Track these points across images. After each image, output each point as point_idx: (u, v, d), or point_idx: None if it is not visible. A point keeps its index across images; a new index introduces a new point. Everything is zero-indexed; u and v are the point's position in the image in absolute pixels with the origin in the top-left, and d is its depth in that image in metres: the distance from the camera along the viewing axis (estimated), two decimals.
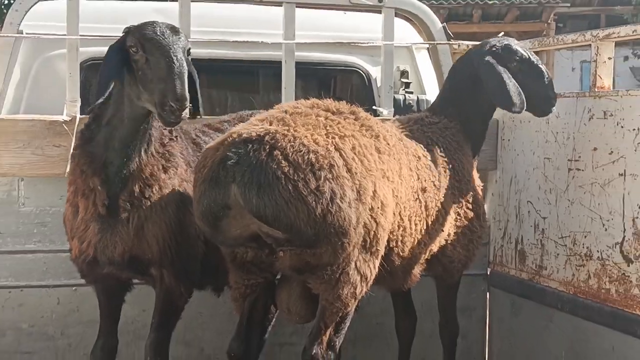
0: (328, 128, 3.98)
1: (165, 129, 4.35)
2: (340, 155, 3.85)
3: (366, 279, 4.05)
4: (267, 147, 3.70)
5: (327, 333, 4.07)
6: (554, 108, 4.99)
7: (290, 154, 3.69)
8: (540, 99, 4.94)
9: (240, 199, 3.67)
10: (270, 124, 3.88)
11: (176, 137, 4.50)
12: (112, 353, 4.61)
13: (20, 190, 5.28)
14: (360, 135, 4.12)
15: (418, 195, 4.37)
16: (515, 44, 4.97)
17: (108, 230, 4.24)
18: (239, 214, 3.75)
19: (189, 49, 4.12)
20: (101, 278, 4.49)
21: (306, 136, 3.81)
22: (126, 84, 4.07)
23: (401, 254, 4.33)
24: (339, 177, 3.78)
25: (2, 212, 5.26)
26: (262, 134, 3.76)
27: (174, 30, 4.06)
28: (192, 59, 4.48)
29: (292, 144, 3.73)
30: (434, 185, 4.46)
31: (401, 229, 4.21)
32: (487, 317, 6.05)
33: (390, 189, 4.09)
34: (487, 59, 4.84)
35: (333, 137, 3.93)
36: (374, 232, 3.97)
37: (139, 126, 4.13)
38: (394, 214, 4.13)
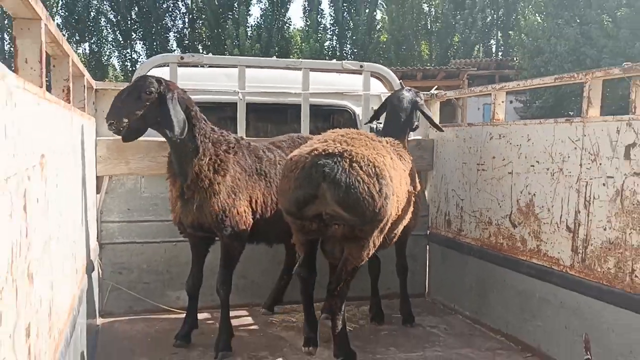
0: (374, 149, 3.90)
1: (222, 145, 4.34)
2: (387, 168, 3.83)
3: (375, 246, 4.04)
4: (348, 160, 3.64)
5: (345, 275, 4.03)
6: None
7: (363, 166, 3.66)
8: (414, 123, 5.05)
9: (327, 193, 3.60)
10: (340, 144, 3.77)
11: (235, 150, 4.44)
12: (198, 282, 4.65)
13: (141, 183, 5.32)
14: (388, 153, 4.10)
15: (405, 193, 4.31)
16: (410, 92, 5.04)
17: (184, 207, 4.30)
18: (321, 202, 3.65)
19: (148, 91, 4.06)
20: (189, 235, 4.54)
21: (369, 154, 3.75)
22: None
23: (393, 230, 4.29)
24: (389, 184, 3.77)
25: (131, 197, 5.31)
26: (341, 150, 3.69)
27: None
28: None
29: (363, 159, 3.68)
30: (407, 184, 4.42)
31: (396, 216, 4.15)
32: (427, 261, 6.05)
33: (397, 190, 4.03)
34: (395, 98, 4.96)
35: (381, 156, 3.87)
36: (388, 218, 3.93)
37: (175, 146, 4.17)
38: (396, 207, 4.09)
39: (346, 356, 4.13)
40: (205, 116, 4.36)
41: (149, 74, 5.21)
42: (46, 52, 2.66)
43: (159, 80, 4.11)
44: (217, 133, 4.40)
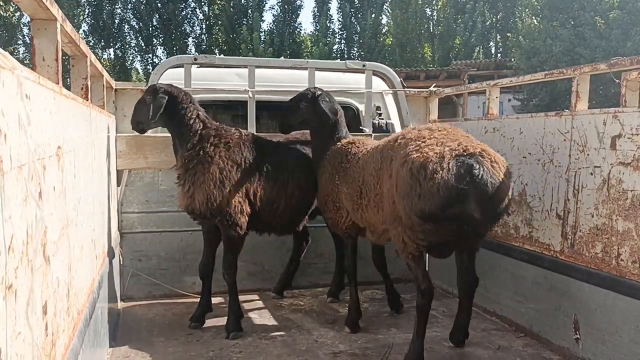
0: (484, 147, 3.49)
1: (211, 139, 4.34)
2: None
3: None
4: (488, 159, 3.34)
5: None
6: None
7: (501, 165, 3.38)
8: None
9: (474, 193, 3.23)
10: (469, 143, 3.45)
11: (229, 145, 4.38)
12: (210, 267, 4.67)
13: (159, 176, 5.35)
14: None
15: None
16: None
17: (180, 192, 4.42)
18: (467, 203, 3.25)
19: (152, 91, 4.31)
20: (201, 223, 4.57)
21: (494, 153, 3.46)
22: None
23: None
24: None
25: (149, 189, 5.34)
26: (478, 150, 3.36)
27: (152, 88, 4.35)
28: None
29: (497, 158, 3.42)
30: None
31: None
32: None
33: None
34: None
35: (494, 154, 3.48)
36: None
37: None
38: None
39: None
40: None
41: (165, 74, 5.27)
42: (64, 51, 2.67)
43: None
44: (211, 129, 4.37)
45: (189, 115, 4.33)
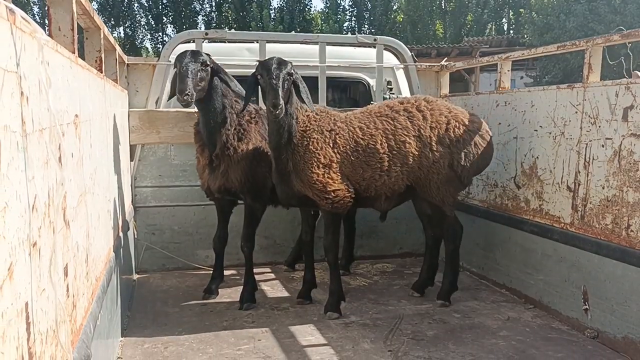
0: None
1: (245, 116, 4.36)
2: None
3: None
4: None
5: None
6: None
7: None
8: None
9: None
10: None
11: (256, 120, 4.49)
12: (224, 240, 4.76)
13: (171, 151, 5.40)
14: None
15: None
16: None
17: (212, 173, 4.36)
18: None
19: (204, 62, 4.01)
20: (216, 199, 4.62)
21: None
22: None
23: None
24: None
25: (162, 164, 5.40)
26: None
27: (194, 53, 4.00)
28: None
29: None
30: None
31: None
32: None
33: None
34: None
35: None
36: None
37: (207, 116, 4.16)
38: None
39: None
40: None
41: (176, 48, 5.28)
42: (78, 24, 2.71)
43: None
44: (239, 104, 4.44)
45: (229, 89, 4.30)
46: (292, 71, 3.93)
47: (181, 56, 3.98)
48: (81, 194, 2.27)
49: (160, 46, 35.37)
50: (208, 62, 4.08)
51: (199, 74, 3.97)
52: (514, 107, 4.73)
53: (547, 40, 22.30)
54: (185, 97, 3.78)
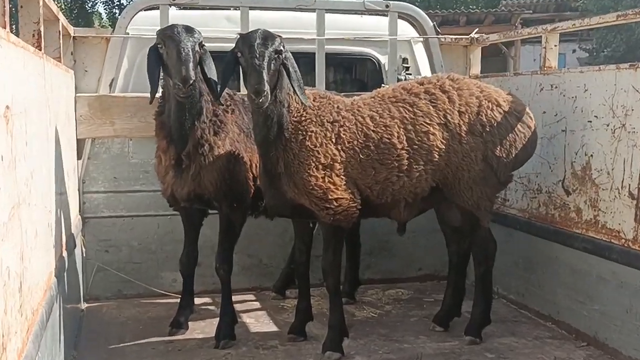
0: None
1: (221, 104, 4.37)
2: None
3: None
4: None
5: None
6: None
7: None
8: None
9: None
10: None
11: (232, 108, 4.52)
12: (193, 260, 4.78)
13: (129, 147, 5.41)
14: None
15: None
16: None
17: (178, 176, 4.36)
18: None
19: (201, 42, 4.04)
20: (182, 208, 4.64)
21: None
22: (163, 72, 4.12)
23: None
24: None
25: (117, 163, 5.41)
26: None
27: (188, 29, 4.01)
28: None
29: None
30: None
31: None
32: None
33: None
34: None
35: None
36: None
37: (185, 102, 4.10)
38: None
39: None
40: None
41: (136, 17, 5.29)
42: None
43: None
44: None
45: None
46: (282, 48, 3.93)
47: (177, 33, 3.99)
48: (14, 206, 2.28)
49: (118, 11, 35.37)
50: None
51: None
52: (562, 92, 4.74)
53: (606, 4, 22.34)
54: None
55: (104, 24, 36.46)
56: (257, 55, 3.79)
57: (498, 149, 4.34)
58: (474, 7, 27.69)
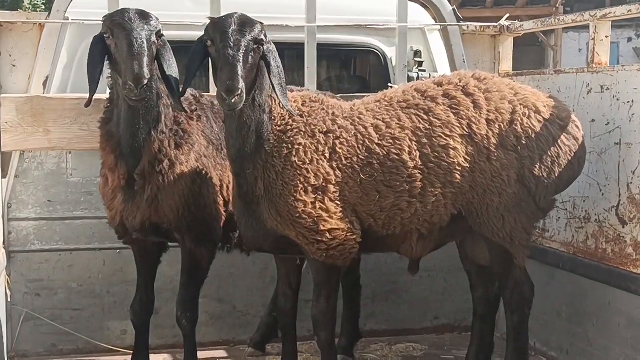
0: None
1: (184, 109, 4.36)
2: None
3: None
4: None
5: None
6: None
7: None
8: None
9: None
10: None
11: (198, 114, 4.54)
12: (149, 307, 4.76)
13: (68, 162, 5.39)
14: None
15: None
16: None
17: (130, 201, 4.36)
18: None
19: (159, 31, 4.07)
20: (134, 241, 4.63)
21: None
22: (111, 68, 4.14)
23: None
24: None
25: (52, 183, 5.39)
26: None
27: (142, 15, 4.02)
28: None
29: None
30: None
31: None
32: None
33: None
34: None
35: None
36: None
37: (139, 107, 4.09)
38: None
39: None
40: None
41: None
42: None
43: None
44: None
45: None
46: (263, 37, 3.94)
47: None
48: None
49: None
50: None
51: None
52: (615, 95, 4.75)
53: None
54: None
55: (35, 2, 36.45)
56: (232, 45, 3.79)
57: (537, 166, 4.34)
58: None
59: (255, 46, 3.88)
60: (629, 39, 25.17)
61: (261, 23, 3.97)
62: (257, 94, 3.99)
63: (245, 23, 3.89)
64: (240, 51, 3.79)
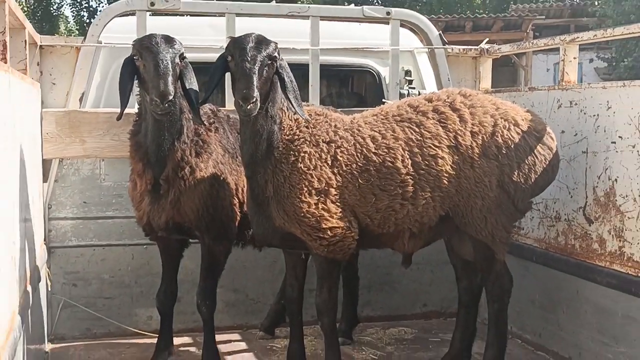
0: None
1: (202, 122, 4.39)
2: None
3: None
4: None
5: None
6: None
7: None
8: None
9: None
10: None
11: (215, 126, 4.57)
12: (172, 296, 4.78)
13: (101, 168, 5.39)
14: None
15: None
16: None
17: (155, 203, 4.38)
18: None
19: (182, 54, 4.11)
20: (159, 238, 4.65)
21: None
22: (139, 86, 4.17)
23: None
24: None
25: (87, 186, 5.39)
26: None
27: (167, 40, 4.07)
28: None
29: None
30: None
31: None
32: None
33: None
34: None
35: None
36: None
37: (164, 120, 4.13)
38: None
39: None
40: None
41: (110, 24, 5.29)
42: None
43: None
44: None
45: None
46: (277, 55, 3.97)
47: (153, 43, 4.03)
48: None
49: (86, 14, 35.45)
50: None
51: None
52: (582, 110, 4.76)
53: (627, 9, 22.54)
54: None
55: (70, 27, 36.46)
56: (249, 59, 3.84)
57: (515, 173, 4.35)
58: (481, 11, 27.91)
59: (269, 62, 3.93)
60: (591, 60, 25.21)
61: (275, 43, 4.00)
62: (269, 106, 4.02)
63: (262, 41, 3.94)
64: (256, 65, 3.84)
